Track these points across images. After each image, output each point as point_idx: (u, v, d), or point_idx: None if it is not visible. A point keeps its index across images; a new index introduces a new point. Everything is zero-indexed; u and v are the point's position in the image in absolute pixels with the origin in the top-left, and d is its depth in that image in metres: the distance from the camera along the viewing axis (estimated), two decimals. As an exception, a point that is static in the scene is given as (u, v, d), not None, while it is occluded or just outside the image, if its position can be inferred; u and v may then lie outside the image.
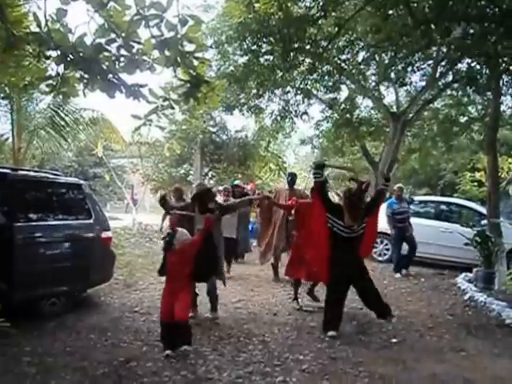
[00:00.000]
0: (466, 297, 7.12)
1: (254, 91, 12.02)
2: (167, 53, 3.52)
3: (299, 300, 6.35)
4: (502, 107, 11.26)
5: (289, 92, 13.66)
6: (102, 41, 3.39)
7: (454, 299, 7.16)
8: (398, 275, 8.86)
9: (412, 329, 5.50)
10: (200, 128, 15.58)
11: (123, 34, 3.35)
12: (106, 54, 3.49)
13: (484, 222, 8.86)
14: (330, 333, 4.97)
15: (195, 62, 3.78)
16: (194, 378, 3.86)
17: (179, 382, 3.80)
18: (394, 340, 5.01)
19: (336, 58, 10.65)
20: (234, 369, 4.11)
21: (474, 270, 7.94)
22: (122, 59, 3.53)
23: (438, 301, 7.01)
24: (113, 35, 3.38)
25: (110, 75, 3.58)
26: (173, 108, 4.13)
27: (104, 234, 6.11)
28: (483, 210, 9.84)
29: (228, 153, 16.60)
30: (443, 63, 11.30)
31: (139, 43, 3.45)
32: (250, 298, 6.83)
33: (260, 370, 4.11)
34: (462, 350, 4.80)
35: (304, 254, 5.85)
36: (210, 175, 17.37)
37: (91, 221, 6.01)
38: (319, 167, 5.38)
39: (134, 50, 3.48)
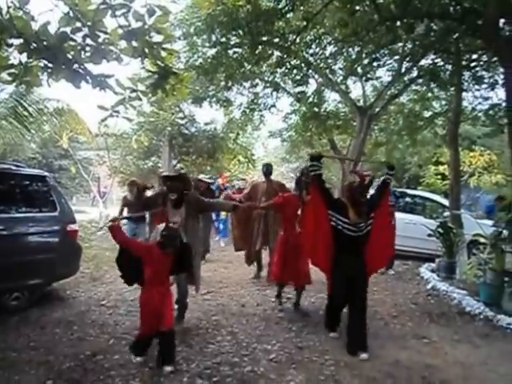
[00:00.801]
0: (429, 286, 7.35)
1: (223, 83, 11.98)
2: (134, 43, 3.49)
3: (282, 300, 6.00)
4: (464, 103, 11.59)
5: (257, 85, 13.69)
6: (67, 29, 3.32)
7: (417, 288, 7.38)
8: None
9: (376, 317, 5.66)
10: (168, 120, 15.40)
11: (89, 23, 3.30)
12: (72, 43, 3.42)
13: (446, 213, 9.14)
14: (332, 334, 4.91)
15: (163, 53, 3.76)
16: (162, 369, 3.86)
17: (147, 374, 3.79)
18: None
19: (304, 52, 10.73)
20: (202, 360, 4.14)
21: (437, 260, 8.19)
22: (87, 49, 3.48)
23: (402, 290, 7.21)
24: (78, 24, 3.32)
25: (76, 65, 3.52)
26: (140, 99, 4.09)
27: (70, 227, 6.00)
28: (446, 202, 10.15)
29: (197, 145, 16.48)
30: (408, 59, 11.52)
31: (106, 33, 3.40)
32: (219, 289, 6.86)
33: (228, 360, 4.16)
34: (425, 337, 4.98)
35: (292, 255, 5.51)
36: (178, 167, 17.22)
37: (56, 213, 5.89)
38: (316, 159, 4.83)
39: (101, 40, 3.43)
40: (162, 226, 4.06)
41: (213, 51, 10.62)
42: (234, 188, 12.56)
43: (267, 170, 7.61)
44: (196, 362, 4.07)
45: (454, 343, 4.85)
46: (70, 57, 3.46)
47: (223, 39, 9.41)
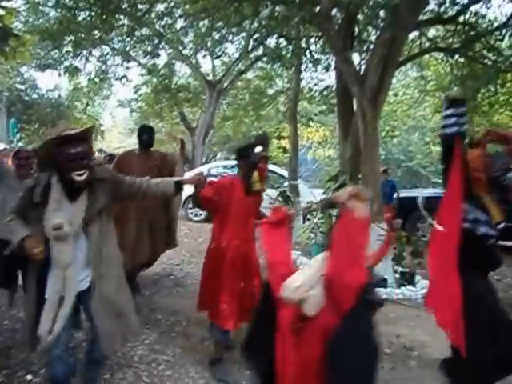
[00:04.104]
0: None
1: (70, 49, 11.24)
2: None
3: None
4: (303, 82, 12.69)
5: (108, 54, 13.12)
6: None
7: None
8: None
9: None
10: (5, 84, 13.94)
11: None
12: None
13: (286, 184, 10.06)
14: None
15: (1, 12, 3.55)
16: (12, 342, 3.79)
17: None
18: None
19: (156, 24, 10.63)
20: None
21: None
22: None
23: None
24: None
25: None
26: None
27: None
28: (286, 174, 11.13)
29: (40, 113, 15.26)
30: (255, 37, 12.16)
31: None
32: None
33: (84, 328, 4.20)
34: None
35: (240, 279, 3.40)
36: (18, 136, 15.74)
37: None
38: (459, 103, 2.56)
39: None
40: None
41: (57, 13, 9.88)
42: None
43: (149, 136, 4.73)
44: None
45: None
46: None
47: (71, 3, 8.79)
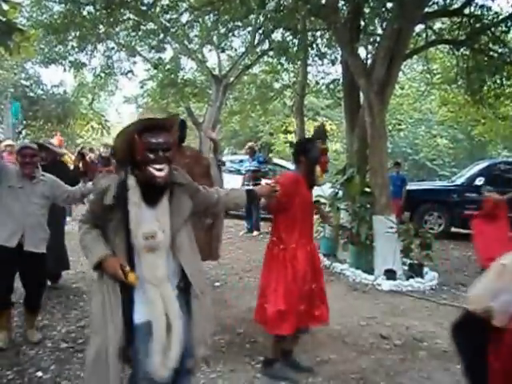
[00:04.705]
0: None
1: (75, 44, 11.28)
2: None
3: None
4: (309, 76, 12.68)
5: (113, 48, 13.16)
6: None
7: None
8: (255, 233, 9.34)
9: (233, 273, 6.21)
10: (10, 81, 14.00)
11: None
12: None
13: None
14: None
15: (5, 7, 3.56)
16: (23, 339, 3.87)
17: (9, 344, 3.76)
18: (217, 283, 5.65)
19: (161, 18, 10.64)
20: (66, 325, 4.22)
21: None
22: None
23: (254, 248, 7.87)
24: None
25: None
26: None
27: None
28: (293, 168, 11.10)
29: (45, 109, 15.30)
30: (261, 31, 12.14)
31: None
32: (78, 258, 6.75)
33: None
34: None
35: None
36: (24, 133, 15.81)
37: None
38: None
39: None
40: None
41: (61, 7, 9.92)
42: (93, 156, 10.02)
43: (179, 129, 3.49)
44: (59, 328, 4.14)
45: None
46: None
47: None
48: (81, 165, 4.64)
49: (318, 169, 3.29)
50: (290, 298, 3.10)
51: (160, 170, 2.01)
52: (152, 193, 2.08)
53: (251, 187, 2.72)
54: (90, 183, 3.98)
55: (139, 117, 2.11)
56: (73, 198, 3.97)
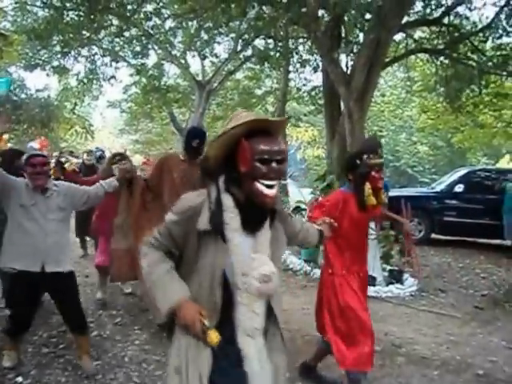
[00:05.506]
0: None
1: (58, 49, 11.18)
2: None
3: None
4: (291, 83, 12.75)
5: (96, 54, 13.08)
6: None
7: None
8: None
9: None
10: (-7, 85, 13.77)
11: None
12: None
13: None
14: None
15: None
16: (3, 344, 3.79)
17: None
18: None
19: (144, 24, 10.63)
20: (47, 330, 4.18)
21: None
22: None
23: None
24: None
25: None
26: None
27: None
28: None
29: (28, 113, 15.07)
30: (243, 38, 12.19)
31: None
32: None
33: (74, 327, 4.23)
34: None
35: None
36: (7, 137, 15.52)
37: None
38: None
39: None
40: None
41: (45, 13, 9.83)
42: (75, 161, 7.94)
43: (199, 140, 3.79)
44: (41, 332, 4.10)
45: (278, 295, 5.59)
46: None
47: (58, 3, 8.73)
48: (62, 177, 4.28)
49: (367, 187, 2.87)
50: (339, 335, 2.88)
51: (271, 186, 1.52)
52: (254, 217, 1.58)
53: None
54: (111, 179, 3.60)
55: (239, 118, 1.57)
56: (94, 198, 3.51)
